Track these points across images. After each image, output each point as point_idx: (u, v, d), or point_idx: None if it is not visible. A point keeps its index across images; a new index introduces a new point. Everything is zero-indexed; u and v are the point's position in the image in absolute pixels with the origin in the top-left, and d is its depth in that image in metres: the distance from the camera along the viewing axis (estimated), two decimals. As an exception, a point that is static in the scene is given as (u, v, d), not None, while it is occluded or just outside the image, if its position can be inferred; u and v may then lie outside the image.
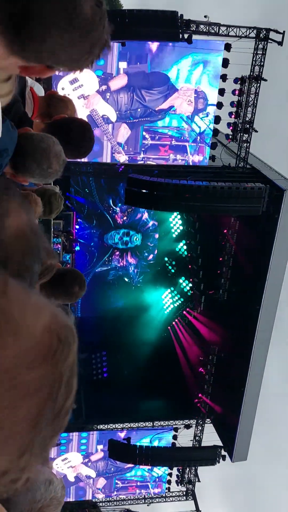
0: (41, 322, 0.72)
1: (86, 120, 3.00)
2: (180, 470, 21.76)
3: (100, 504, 22.85)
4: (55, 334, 0.72)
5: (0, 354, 0.67)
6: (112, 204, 23.14)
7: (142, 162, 18.11)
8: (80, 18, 1.06)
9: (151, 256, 24.44)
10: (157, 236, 24.26)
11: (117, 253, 24.27)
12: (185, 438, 21.28)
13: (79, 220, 22.88)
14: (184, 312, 23.85)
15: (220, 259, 19.41)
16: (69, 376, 0.72)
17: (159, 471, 22.37)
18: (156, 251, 24.70)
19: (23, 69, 1.19)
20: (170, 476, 22.12)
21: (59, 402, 0.70)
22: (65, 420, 0.73)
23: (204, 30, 15.94)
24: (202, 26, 15.85)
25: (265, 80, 16.20)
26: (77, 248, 22.90)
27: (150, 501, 22.92)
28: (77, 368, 0.76)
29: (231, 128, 16.84)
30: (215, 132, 17.06)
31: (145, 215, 23.85)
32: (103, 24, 1.12)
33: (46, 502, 1.60)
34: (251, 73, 16.14)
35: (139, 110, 17.54)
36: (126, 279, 24.97)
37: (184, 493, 22.50)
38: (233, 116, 16.74)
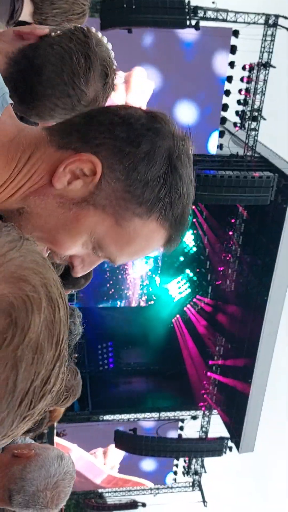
0: None
1: None
2: (187, 461, 21.75)
3: (106, 494, 22.91)
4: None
5: None
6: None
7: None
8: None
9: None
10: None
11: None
12: (192, 429, 21.27)
13: None
14: (191, 302, 23.76)
15: (227, 249, 19.27)
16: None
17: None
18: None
19: None
20: (177, 467, 22.12)
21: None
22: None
23: (212, 17, 15.70)
24: (209, 12, 15.60)
25: (274, 67, 15.94)
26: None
27: (156, 491, 22.94)
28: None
29: (239, 116, 16.61)
30: (223, 120, 16.83)
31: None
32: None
33: (61, 476, 1.67)
34: (260, 60, 15.88)
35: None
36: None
37: (191, 484, 22.50)
38: (241, 104, 16.50)
